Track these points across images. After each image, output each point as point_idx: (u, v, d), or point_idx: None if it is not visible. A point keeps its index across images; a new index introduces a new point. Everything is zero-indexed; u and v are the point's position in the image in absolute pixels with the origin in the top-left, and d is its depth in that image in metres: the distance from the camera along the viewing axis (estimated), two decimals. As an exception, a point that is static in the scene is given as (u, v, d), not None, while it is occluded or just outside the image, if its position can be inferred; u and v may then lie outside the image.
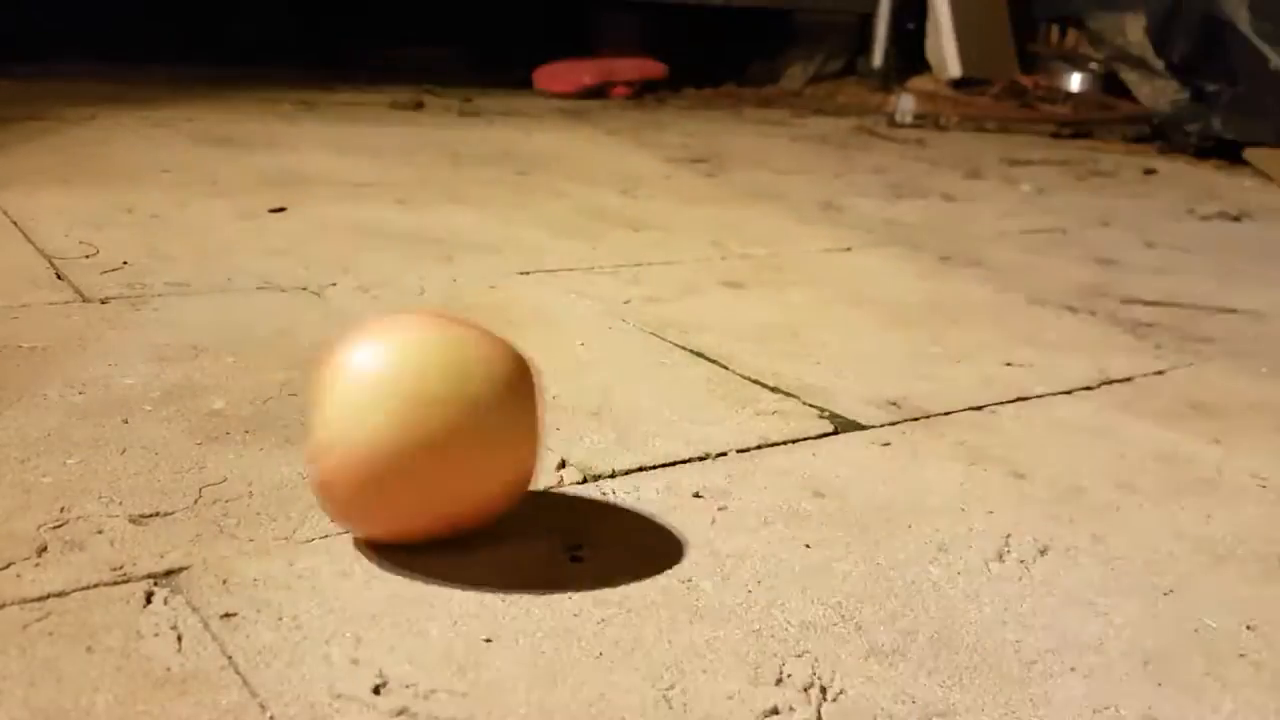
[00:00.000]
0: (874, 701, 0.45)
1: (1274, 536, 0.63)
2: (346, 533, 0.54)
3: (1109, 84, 3.00)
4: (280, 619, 0.47)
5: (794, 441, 0.71)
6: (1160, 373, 0.91)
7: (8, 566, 0.49)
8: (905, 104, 2.65)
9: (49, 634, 0.44)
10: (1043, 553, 0.59)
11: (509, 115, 2.23)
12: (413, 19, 2.92)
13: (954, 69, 3.06)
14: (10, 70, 2.13)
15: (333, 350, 0.52)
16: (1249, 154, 2.25)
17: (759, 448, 0.69)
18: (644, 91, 2.75)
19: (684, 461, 0.66)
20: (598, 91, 2.67)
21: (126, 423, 0.65)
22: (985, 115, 2.70)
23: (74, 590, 0.47)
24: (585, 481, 0.62)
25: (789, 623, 0.50)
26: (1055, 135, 2.57)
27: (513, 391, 0.52)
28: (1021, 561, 0.57)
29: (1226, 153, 2.29)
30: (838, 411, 0.76)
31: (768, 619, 0.50)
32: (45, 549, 0.50)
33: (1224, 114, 2.32)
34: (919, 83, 3.07)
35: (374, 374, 0.50)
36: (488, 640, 0.46)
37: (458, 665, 0.45)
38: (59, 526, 0.52)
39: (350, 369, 0.50)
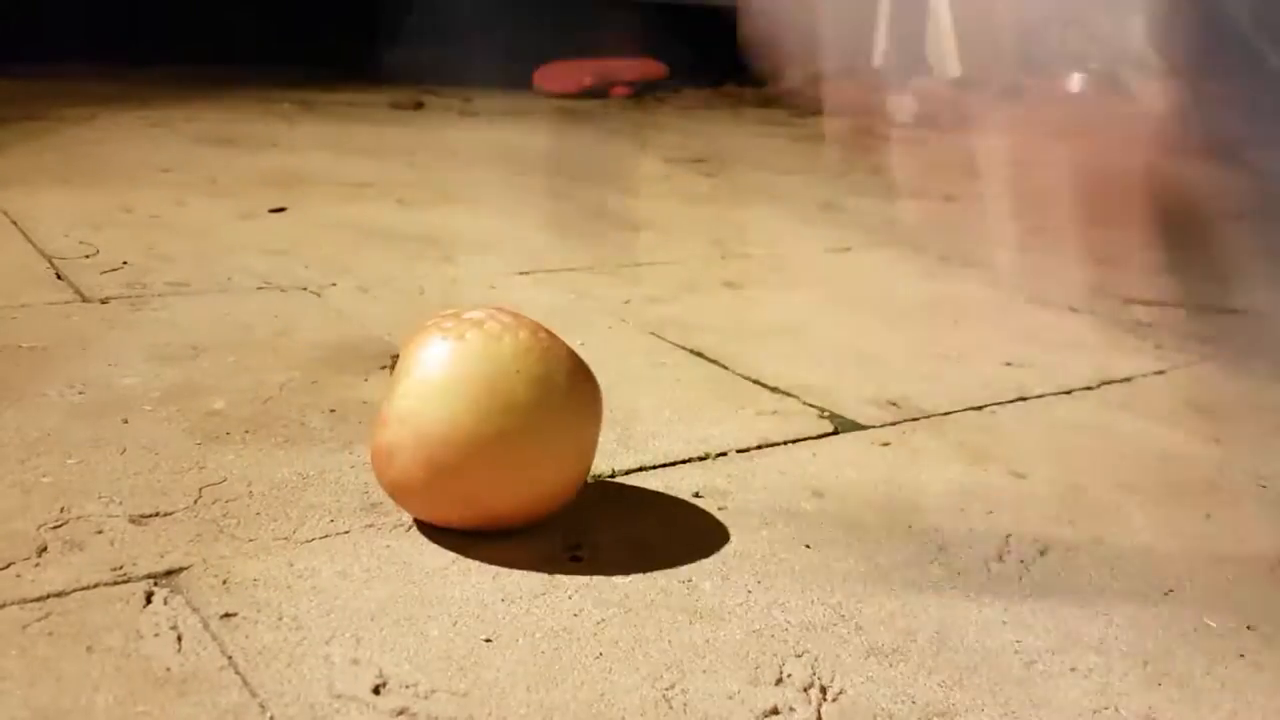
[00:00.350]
0: (874, 701, 0.45)
1: (1273, 536, 0.63)
2: (348, 532, 0.54)
3: (1108, 84, 3.00)
4: (280, 619, 0.47)
5: (794, 441, 0.71)
6: (1160, 372, 0.91)
7: (8, 566, 0.49)
8: (905, 104, 2.65)
9: (49, 634, 0.44)
10: (1042, 553, 0.59)
11: (509, 116, 2.23)
12: (413, 19, 2.92)
13: (954, 69, 3.06)
14: (10, 70, 2.13)
15: (421, 335, 0.54)
16: (1248, 154, 2.25)
17: (759, 448, 0.69)
18: (644, 91, 2.76)
19: (684, 461, 0.66)
20: (598, 92, 2.67)
21: (126, 422, 0.65)
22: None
23: (74, 590, 0.47)
24: (585, 481, 0.62)
25: (789, 623, 0.50)
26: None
27: (584, 395, 0.55)
28: (1021, 561, 0.57)
29: (1225, 153, 2.28)
30: (838, 411, 0.76)
31: (768, 619, 0.50)
32: (45, 549, 0.50)
33: (1223, 114, 2.32)
34: (919, 83, 3.07)
35: (464, 364, 0.52)
36: (488, 640, 0.46)
37: (458, 665, 0.45)
38: (59, 526, 0.52)
39: (440, 355, 0.53)
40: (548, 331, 0.55)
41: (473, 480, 0.52)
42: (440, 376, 0.52)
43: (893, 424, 0.75)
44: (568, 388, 0.54)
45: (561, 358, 0.54)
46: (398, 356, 0.55)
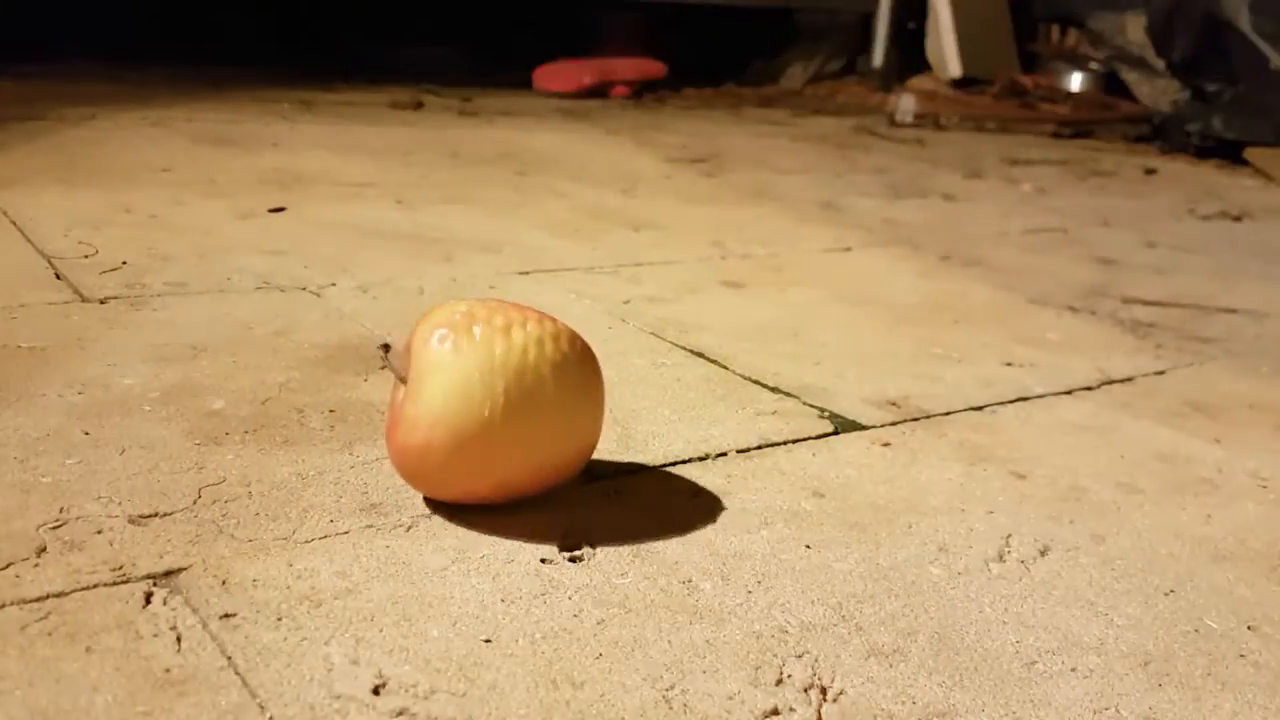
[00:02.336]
0: (874, 702, 0.45)
1: (1274, 536, 0.63)
2: (347, 533, 0.54)
3: (1109, 84, 3.00)
4: (279, 619, 0.47)
5: (794, 441, 0.71)
6: (1161, 373, 0.91)
7: (7, 567, 0.49)
8: (905, 104, 2.65)
9: (48, 634, 0.44)
10: (1043, 553, 0.59)
11: (509, 115, 2.23)
12: (413, 19, 2.92)
13: (954, 69, 3.06)
14: (10, 70, 2.13)
15: (426, 332, 0.55)
16: (1249, 154, 2.25)
17: (759, 448, 0.69)
18: (644, 91, 2.75)
19: (684, 461, 0.66)
20: (597, 91, 2.67)
21: (126, 423, 0.65)
22: (985, 115, 2.70)
23: (73, 590, 0.47)
24: (585, 481, 0.62)
25: (789, 623, 0.50)
26: (1055, 135, 2.57)
27: (588, 369, 0.59)
28: (1022, 561, 0.57)
29: (1227, 152, 2.29)
30: (838, 411, 0.76)
31: (768, 619, 0.50)
32: (45, 549, 0.50)
33: (1224, 114, 2.32)
34: (919, 82, 3.07)
35: (481, 353, 0.54)
36: (487, 640, 0.46)
37: (457, 665, 0.44)
38: (58, 527, 0.52)
39: (453, 348, 0.54)
40: (550, 319, 0.58)
41: (502, 464, 0.55)
42: (464, 374, 0.53)
43: (893, 424, 0.75)
44: (578, 369, 0.57)
45: (568, 339, 0.57)
46: (387, 346, 0.56)
